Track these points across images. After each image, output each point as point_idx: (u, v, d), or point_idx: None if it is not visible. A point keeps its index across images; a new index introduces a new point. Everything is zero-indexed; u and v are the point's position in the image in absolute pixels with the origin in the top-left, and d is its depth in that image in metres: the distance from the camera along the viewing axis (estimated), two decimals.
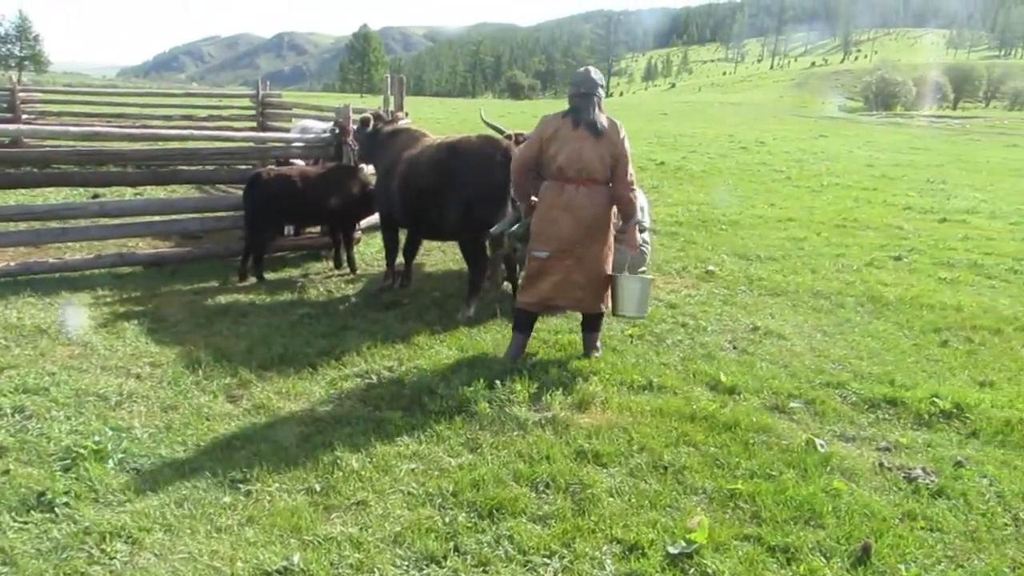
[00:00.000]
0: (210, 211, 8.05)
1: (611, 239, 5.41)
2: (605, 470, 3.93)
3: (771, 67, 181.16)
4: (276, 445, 4.10)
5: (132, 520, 3.37)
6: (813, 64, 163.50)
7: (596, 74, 5.36)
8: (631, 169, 5.29)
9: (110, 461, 3.85)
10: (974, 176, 18.52)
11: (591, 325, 5.57)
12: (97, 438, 4.00)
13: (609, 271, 5.39)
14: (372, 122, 7.40)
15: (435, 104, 47.60)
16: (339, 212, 7.63)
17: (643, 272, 6.59)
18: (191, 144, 9.17)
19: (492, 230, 6.12)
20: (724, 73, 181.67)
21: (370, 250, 8.66)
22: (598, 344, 5.63)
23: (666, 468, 3.96)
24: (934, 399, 4.86)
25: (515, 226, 5.81)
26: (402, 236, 7.36)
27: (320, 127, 9.60)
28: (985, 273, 8.55)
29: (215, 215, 8.01)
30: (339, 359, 5.35)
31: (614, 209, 5.36)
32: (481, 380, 4.81)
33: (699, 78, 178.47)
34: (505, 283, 6.99)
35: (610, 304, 5.47)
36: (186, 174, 8.45)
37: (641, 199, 6.50)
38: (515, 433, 4.30)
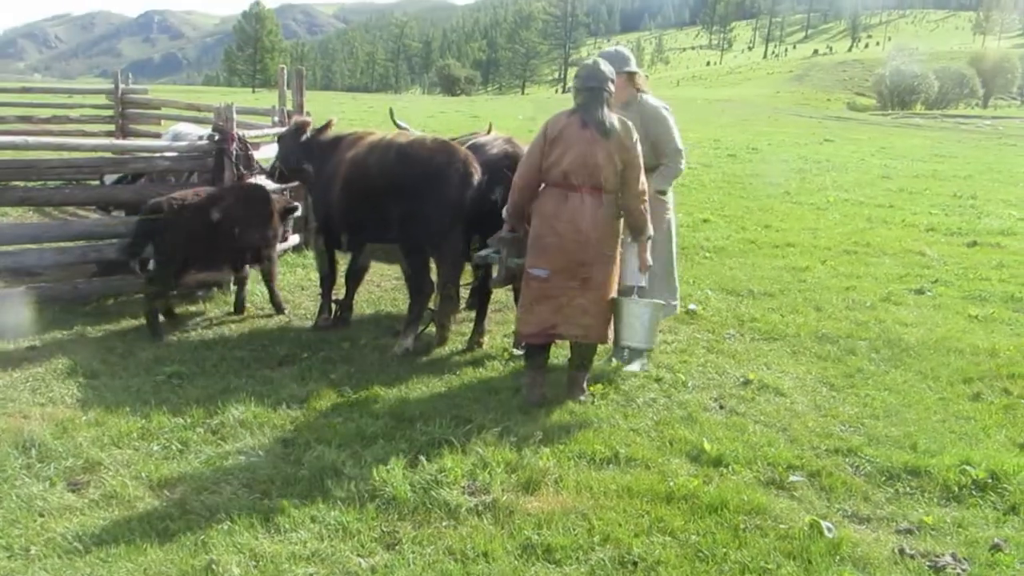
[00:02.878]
0: (51, 241, 7.87)
1: (618, 258, 5.70)
2: (559, 568, 3.91)
3: (764, 56, 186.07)
4: (132, 546, 3.98)
5: None
6: (815, 53, 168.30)
7: (606, 66, 5.64)
8: (643, 177, 5.60)
9: None
10: (1010, 189, 19.11)
11: (583, 361, 5.82)
12: None
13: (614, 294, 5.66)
14: (307, 129, 7.45)
15: (347, 100, 47.62)
16: (258, 242, 7.63)
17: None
18: (29, 154, 8.97)
19: (479, 253, 6.17)
20: (708, 63, 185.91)
21: (259, 288, 8.53)
22: (585, 385, 5.85)
23: (636, 564, 3.95)
24: (965, 467, 4.94)
25: (514, 256, 5.83)
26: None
27: (199, 132, 9.51)
28: None
29: (57, 246, 7.83)
30: (217, 432, 5.25)
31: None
32: (401, 455, 4.77)
33: (677, 69, 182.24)
34: (431, 325, 7.01)
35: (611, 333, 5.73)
36: (20, 193, 8.25)
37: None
38: (444, 523, 4.25)
